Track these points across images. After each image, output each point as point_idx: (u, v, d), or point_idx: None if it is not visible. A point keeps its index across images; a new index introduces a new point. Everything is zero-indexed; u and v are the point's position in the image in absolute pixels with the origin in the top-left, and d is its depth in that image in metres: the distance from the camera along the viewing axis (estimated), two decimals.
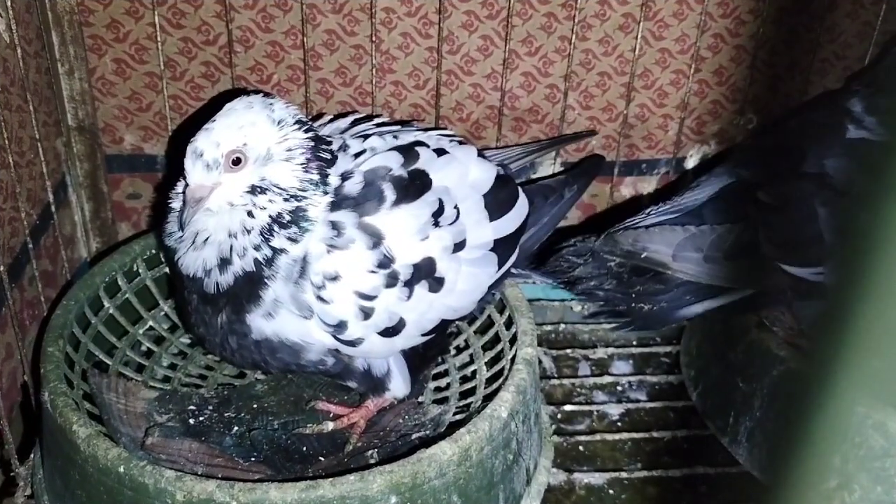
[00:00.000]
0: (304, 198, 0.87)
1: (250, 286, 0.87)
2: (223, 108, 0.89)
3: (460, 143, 1.02)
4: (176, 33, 1.13)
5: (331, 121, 1.02)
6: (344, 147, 0.93)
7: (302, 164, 0.87)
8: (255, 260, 0.86)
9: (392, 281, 0.89)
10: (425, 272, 0.91)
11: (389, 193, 0.90)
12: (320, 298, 0.87)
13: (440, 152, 0.96)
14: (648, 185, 1.31)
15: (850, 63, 1.25)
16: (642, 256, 1.03)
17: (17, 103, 1.02)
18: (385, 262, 0.88)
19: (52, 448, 0.91)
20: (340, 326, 0.88)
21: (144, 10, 1.11)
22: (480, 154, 1.01)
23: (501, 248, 0.98)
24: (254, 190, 0.86)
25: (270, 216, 0.86)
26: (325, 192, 0.88)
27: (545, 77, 1.21)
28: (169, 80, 1.15)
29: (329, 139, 0.92)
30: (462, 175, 0.96)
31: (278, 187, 0.86)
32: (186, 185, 0.86)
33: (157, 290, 1.10)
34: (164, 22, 1.12)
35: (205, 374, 1.08)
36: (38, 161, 1.06)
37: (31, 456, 0.99)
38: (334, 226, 0.87)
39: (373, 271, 0.88)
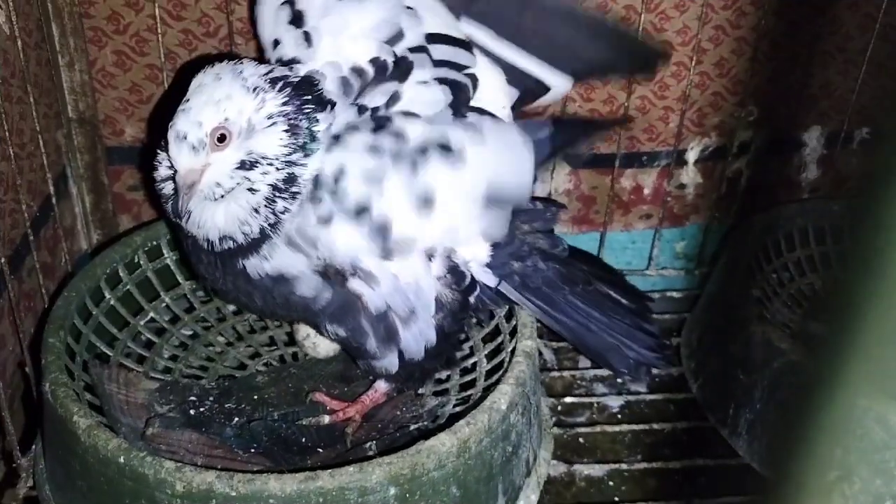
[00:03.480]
0: (295, 163, 0.84)
1: (250, 244, 0.86)
2: (192, 83, 0.85)
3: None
4: (176, 25, 1.13)
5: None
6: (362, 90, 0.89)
7: (286, 130, 0.83)
8: (261, 228, 0.85)
9: (399, 147, 0.85)
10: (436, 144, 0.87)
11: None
12: (335, 191, 0.84)
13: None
14: (649, 177, 1.31)
15: (851, 55, 1.25)
16: None
17: (18, 95, 1.02)
18: (382, 124, 0.86)
19: (53, 439, 0.91)
20: (362, 212, 0.84)
21: (145, 1, 1.10)
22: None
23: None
24: (243, 165, 0.83)
25: (269, 185, 0.83)
26: (316, 150, 0.84)
27: None
28: (169, 72, 1.15)
29: (316, 81, 0.87)
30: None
31: (266, 157, 0.83)
32: (175, 171, 0.83)
33: (159, 281, 1.10)
34: (165, 14, 1.11)
35: (206, 366, 1.08)
36: (38, 153, 1.06)
37: (33, 447, 0.99)
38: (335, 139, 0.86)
39: (374, 139, 0.85)
